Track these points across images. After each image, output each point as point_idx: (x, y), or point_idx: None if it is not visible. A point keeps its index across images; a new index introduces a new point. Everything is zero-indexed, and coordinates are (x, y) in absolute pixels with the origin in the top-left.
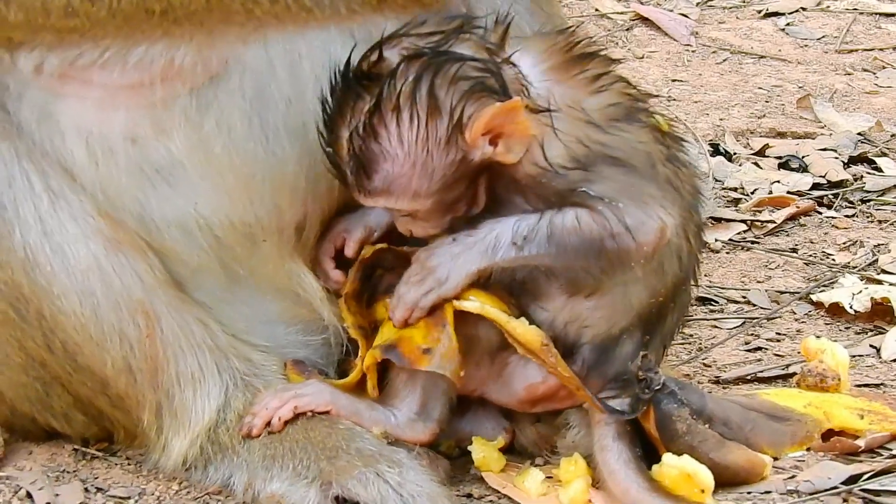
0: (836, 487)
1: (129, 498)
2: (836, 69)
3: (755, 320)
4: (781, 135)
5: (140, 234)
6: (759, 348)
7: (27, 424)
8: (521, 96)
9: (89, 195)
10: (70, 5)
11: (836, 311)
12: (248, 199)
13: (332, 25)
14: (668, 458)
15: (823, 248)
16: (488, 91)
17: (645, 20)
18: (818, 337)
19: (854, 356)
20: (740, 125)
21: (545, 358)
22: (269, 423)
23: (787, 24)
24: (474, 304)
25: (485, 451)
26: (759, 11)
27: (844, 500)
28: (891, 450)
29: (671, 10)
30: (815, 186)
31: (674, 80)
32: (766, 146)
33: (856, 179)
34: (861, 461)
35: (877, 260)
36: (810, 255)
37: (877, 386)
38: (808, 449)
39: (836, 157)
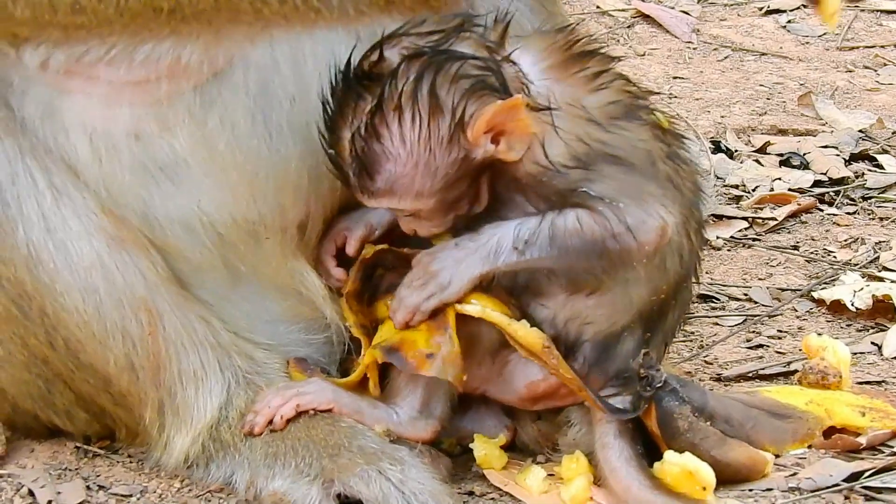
0: (837, 485)
1: (130, 496)
2: (838, 66)
3: (756, 318)
4: (783, 132)
5: (143, 232)
6: (761, 345)
7: (29, 422)
8: (521, 94)
9: (92, 192)
10: (77, 2)
11: (837, 308)
12: (252, 197)
13: (339, 26)
14: (669, 455)
15: (825, 245)
16: (489, 89)
17: (646, 17)
18: (819, 334)
19: (855, 353)
20: (741, 122)
21: (547, 360)
22: (271, 422)
23: (789, 22)
24: (475, 307)
25: (486, 449)
26: (761, 8)
27: (846, 498)
28: (892, 447)
29: (672, 8)
30: (817, 184)
31: (675, 78)
32: (768, 143)
33: (857, 177)
34: (862, 458)
35: (878, 257)
36: (812, 253)
37: (878, 383)
38: (809, 446)
39: (838, 155)
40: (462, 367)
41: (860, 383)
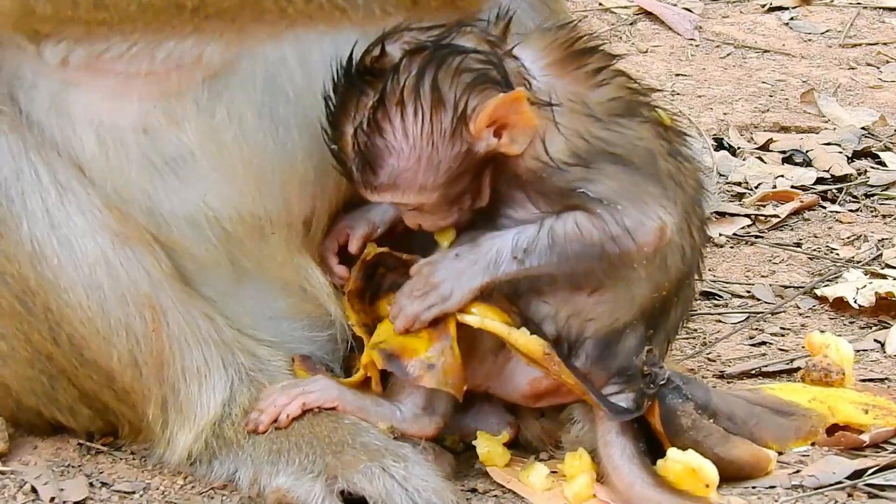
0: (840, 482)
1: (133, 492)
2: (840, 63)
3: (759, 315)
4: (785, 129)
5: (148, 228)
6: (764, 343)
7: (32, 418)
8: (523, 88)
9: (97, 188)
10: None
11: (840, 305)
12: (258, 192)
13: (368, 27)
14: (672, 452)
15: (827, 242)
16: (491, 83)
17: (648, 14)
18: (822, 332)
19: (858, 351)
20: (744, 119)
21: (548, 366)
22: (275, 420)
23: (791, 19)
24: (475, 318)
25: (489, 446)
26: (763, 6)
27: (849, 495)
28: (895, 444)
29: (675, 5)
30: (819, 181)
31: (677, 75)
32: (770, 141)
33: (860, 174)
34: (866, 456)
35: (881, 254)
36: (814, 250)
37: (881, 380)
38: (812, 444)
39: (840, 152)
40: (462, 378)
41: (863, 380)
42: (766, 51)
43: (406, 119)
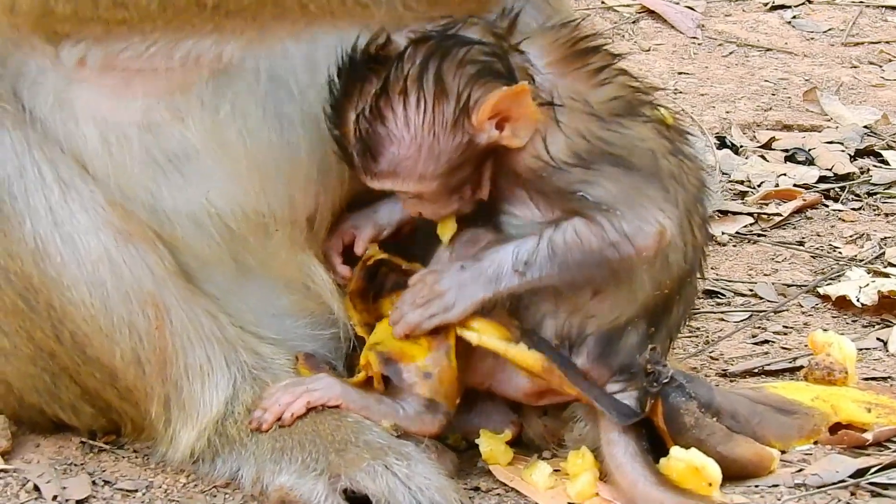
0: (843, 481)
1: (136, 491)
2: (843, 62)
3: (762, 313)
4: (788, 128)
5: (151, 225)
6: (766, 341)
7: (35, 416)
8: (527, 82)
9: (101, 185)
10: None
11: (843, 304)
12: (261, 188)
13: (388, 23)
14: (675, 451)
15: (830, 241)
16: (495, 75)
17: (651, 13)
18: (825, 330)
19: (861, 349)
20: (747, 118)
21: (549, 379)
22: (279, 418)
23: (794, 17)
24: (473, 334)
25: (492, 445)
26: (766, 4)
27: (852, 494)
28: None
29: (677, 3)
30: (822, 179)
31: (680, 73)
32: (773, 139)
33: (862, 172)
34: (869, 454)
35: (883, 253)
36: (817, 248)
37: (884, 379)
38: (815, 442)
39: (843, 150)
40: (457, 389)
41: (866, 379)
42: (768, 49)
43: (408, 108)
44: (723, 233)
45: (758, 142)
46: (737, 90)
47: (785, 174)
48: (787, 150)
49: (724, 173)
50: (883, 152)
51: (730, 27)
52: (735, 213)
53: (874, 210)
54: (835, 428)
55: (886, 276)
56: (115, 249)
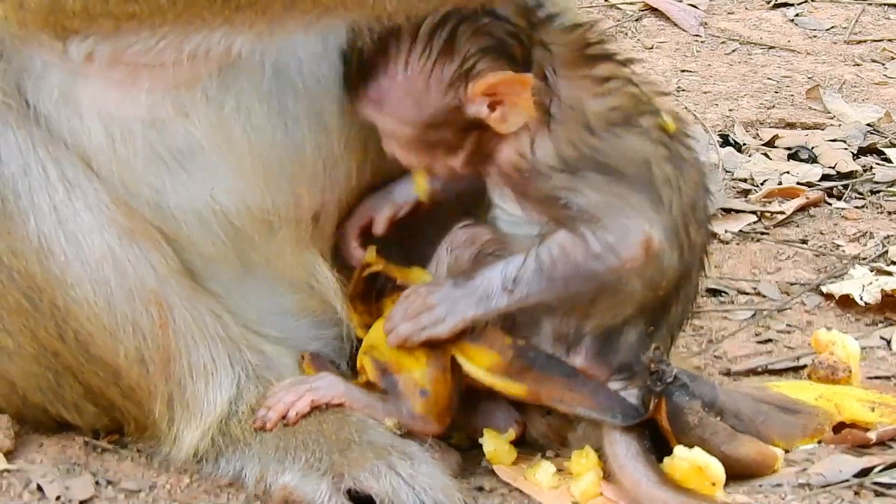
0: (847, 480)
1: (139, 491)
2: (845, 60)
3: (765, 312)
4: (791, 125)
5: (155, 224)
6: (770, 340)
7: (38, 415)
8: (536, 78)
9: (105, 182)
10: None
11: (846, 302)
12: (266, 186)
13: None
14: (679, 450)
15: (833, 239)
16: (507, 57)
17: (654, 11)
18: (829, 329)
19: (865, 348)
20: (749, 116)
21: (543, 403)
22: (284, 417)
23: (796, 15)
24: (463, 360)
25: (496, 444)
26: (768, 2)
27: (856, 493)
28: None
29: (680, 1)
30: (825, 177)
31: (683, 71)
32: (776, 137)
33: (865, 170)
34: (872, 454)
35: (887, 251)
36: (820, 247)
37: (888, 378)
38: (819, 441)
39: (846, 148)
40: (450, 410)
41: (869, 378)
42: (771, 47)
43: (413, 51)
44: (726, 231)
45: (761, 140)
46: (740, 88)
47: (788, 172)
48: (790, 148)
49: (726, 171)
50: (886, 150)
51: (733, 25)
52: (738, 212)
53: (877, 208)
54: (838, 427)
55: (890, 274)
56: (119, 248)
